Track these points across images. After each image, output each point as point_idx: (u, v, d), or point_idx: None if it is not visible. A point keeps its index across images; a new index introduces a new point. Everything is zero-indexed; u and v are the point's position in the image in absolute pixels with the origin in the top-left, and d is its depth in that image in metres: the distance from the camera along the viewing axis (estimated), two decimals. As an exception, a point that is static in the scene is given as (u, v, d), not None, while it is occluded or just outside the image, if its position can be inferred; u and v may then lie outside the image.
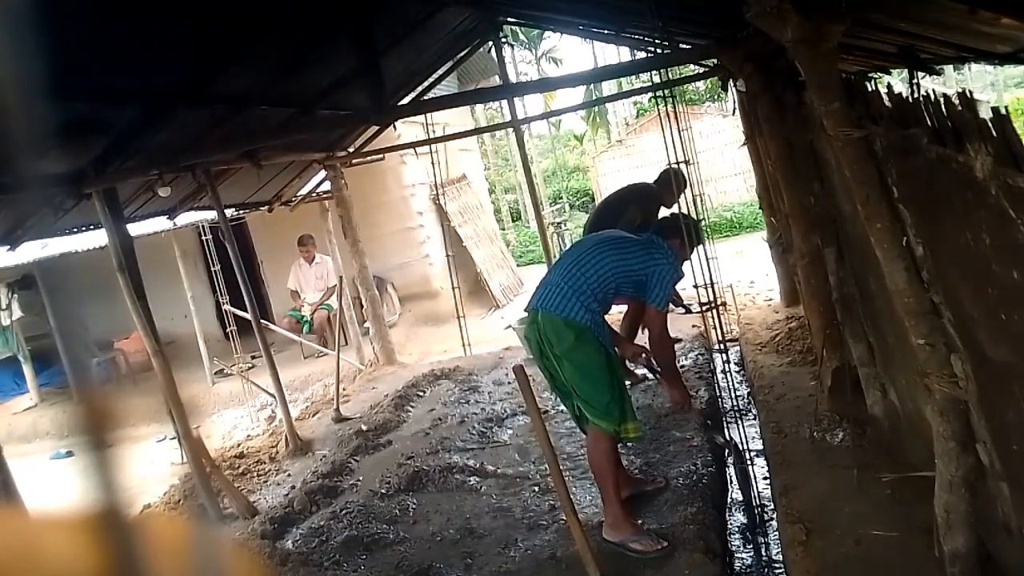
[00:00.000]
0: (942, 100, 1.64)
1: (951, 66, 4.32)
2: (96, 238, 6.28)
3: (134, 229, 5.48)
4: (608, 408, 3.08)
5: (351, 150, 7.32)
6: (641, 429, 3.32)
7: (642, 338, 4.36)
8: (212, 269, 7.79)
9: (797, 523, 2.88)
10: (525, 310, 3.37)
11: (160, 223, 6.98)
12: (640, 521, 3.28)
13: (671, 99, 3.96)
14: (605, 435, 3.13)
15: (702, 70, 6.42)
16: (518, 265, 12.16)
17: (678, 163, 5.26)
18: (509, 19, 7.42)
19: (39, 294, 9.04)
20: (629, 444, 3.86)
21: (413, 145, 7.63)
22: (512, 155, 20.75)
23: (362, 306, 7.81)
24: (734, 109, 7.53)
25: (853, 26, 2.35)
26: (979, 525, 2.12)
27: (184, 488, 5.03)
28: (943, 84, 9.76)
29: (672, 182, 5.24)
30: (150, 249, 7.25)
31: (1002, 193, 1.35)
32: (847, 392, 3.50)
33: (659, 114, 5.43)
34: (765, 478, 3.82)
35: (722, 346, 5.13)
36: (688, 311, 6.21)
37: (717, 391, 4.88)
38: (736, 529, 3.60)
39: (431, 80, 7.29)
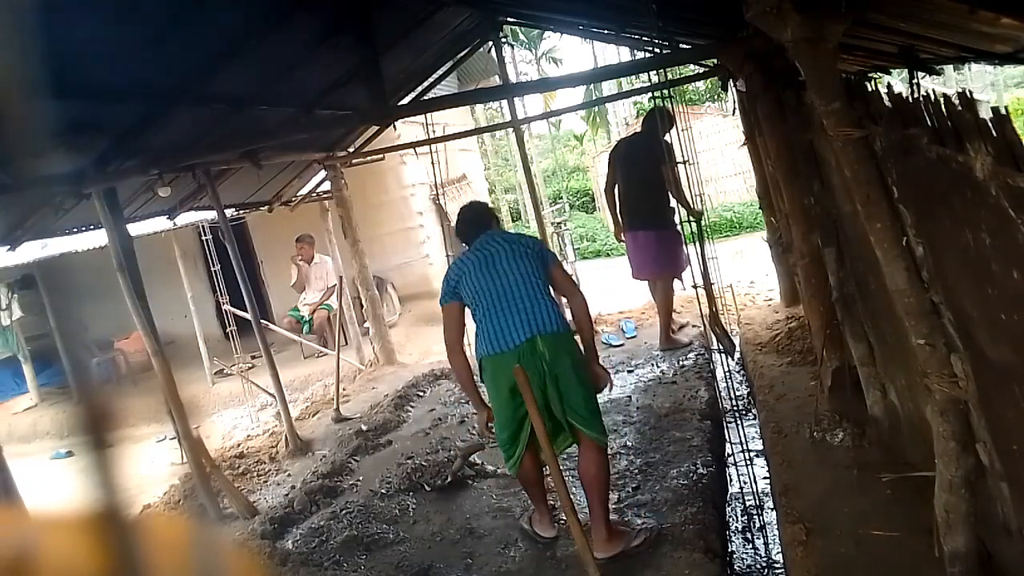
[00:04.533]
0: (942, 100, 1.64)
1: (951, 66, 4.32)
2: (96, 238, 6.27)
3: (134, 229, 5.47)
4: (599, 417, 3.06)
5: (351, 150, 7.33)
6: None
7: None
8: (212, 269, 7.79)
9: (797, 523, 2.88)
10: (502, 350, 2.98)
11: (160, 223, 6.98)
12: (627, 519, 3.30)
13: (671, 99, 3.96)
14: (603, 449, 3.08)
15: (702, 70, 6.42)
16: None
17: (682, 162, 5.27)
18: (509, 19, 7.41)
19: (39, 294, 9.04)
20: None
21: (413, 145, 7.63)
22: (512, 155, 20.74)
23: (362, 306, 7.81)
24: (734, 109, 7.54)
25: (853, 26, 2.35)
26: (979, 525, 2.12)
27: (184, 488, 5.03)
28: (943, 84, 9.75)
29: (660, 121, 5.23)
30: (150, 249, 7.26)
31: (1002, 193, 1.35)
32: (847, 392, 3.50)
33: (659, 114, 5.44)
34: (765, 478, 3.82)
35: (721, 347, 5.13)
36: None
37: (717, 391, 4.88)
38: (736, 529, 3.60)
39: (431, 80, 7.29)
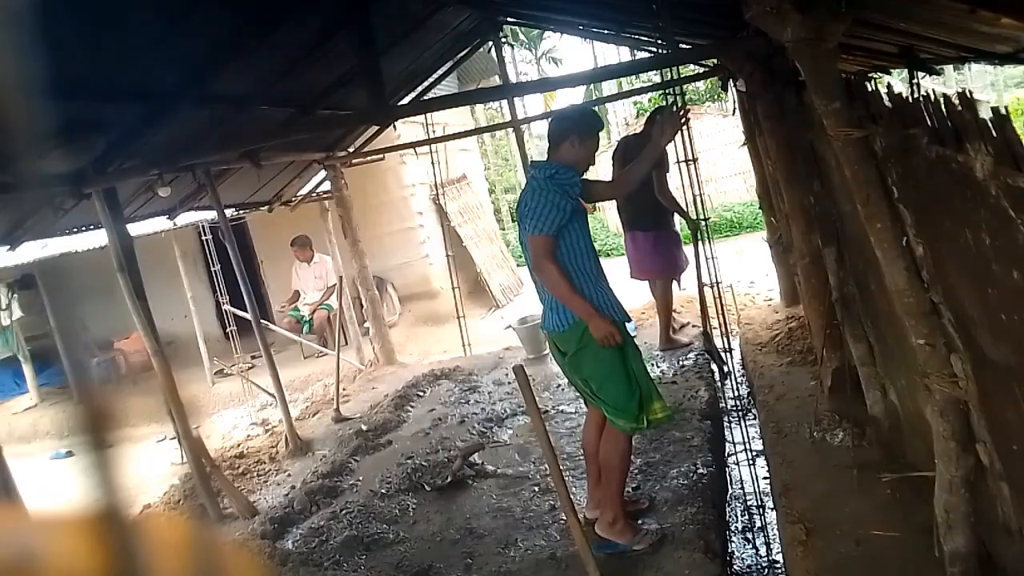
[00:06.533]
0: (942, 100, 1.64)
1: (951, 66, 4.32)
2: (96, 238, 6.28)
3: (134, 229, 5.47)
4: (626, 406, 2.94)
5: (351, 150, 7.32)
6: (668, 408, 3.07)
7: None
8: (212, 269, 7.79)
9: (797, 523, 2.88)
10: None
11: (160, 223, 6.98)
12: (640, 521, 3.28)
13: (682, 96, 3.95)
14: (623, 434, 3.04)
15: (702, 70, 6.42)
16: (518, 265, 12.14)
17: (688, 160, 5.23)
18: (509, 19, 7.41)
19: (39, 294, 9.05)
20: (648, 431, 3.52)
21: (413, 145, 7.63)
22: (512, 155, 20.71)
23: (362, 306, 7.81)
24: (734, 109, 7.53)
25: (853, 26, 2.35)
26: (979, 525, 2.12)
27: (184, 488, 5.03)
28: (943, 84, 9.75)
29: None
30: (150, 249, 7.25)
31: (1002, 193, 1.35)
32: (847, 392, 3.50)
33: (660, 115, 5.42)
34: (765, 478, 3.82)
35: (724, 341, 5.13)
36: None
37: (717, 391, 4.88)
38: (736, 529, 3.60)
39: (431, 80, 7.29)
